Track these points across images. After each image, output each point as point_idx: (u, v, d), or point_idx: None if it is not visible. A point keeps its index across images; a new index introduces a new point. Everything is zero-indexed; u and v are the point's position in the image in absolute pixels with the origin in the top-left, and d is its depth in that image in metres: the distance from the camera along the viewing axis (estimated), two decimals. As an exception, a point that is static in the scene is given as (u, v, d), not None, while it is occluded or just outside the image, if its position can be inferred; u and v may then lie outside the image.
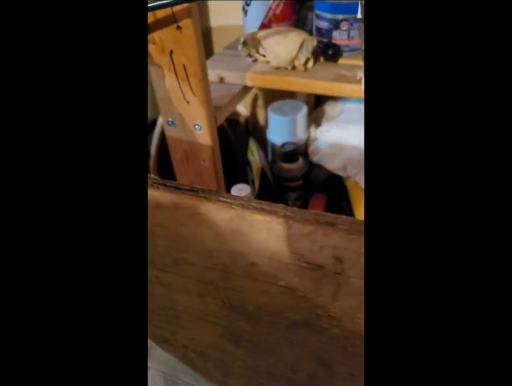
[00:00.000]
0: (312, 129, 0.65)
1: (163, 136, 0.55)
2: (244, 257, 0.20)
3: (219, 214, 0.20)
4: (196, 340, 0.24)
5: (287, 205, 0.67)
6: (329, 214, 0.18)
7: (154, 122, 0.65)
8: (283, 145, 0.60)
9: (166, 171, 0.57)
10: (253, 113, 0.79)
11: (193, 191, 0.21)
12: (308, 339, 0.20)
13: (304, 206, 0.63)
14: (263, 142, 0.69)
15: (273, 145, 0.64)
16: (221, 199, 0.20)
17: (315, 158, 0.63)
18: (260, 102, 0.78)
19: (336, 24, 0.43)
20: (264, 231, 0.19)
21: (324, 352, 0.20)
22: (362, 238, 0.17)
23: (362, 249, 0.17)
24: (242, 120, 0.76)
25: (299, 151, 0.62)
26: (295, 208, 0.19)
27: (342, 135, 0.62)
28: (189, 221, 0.21)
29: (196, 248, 0.22)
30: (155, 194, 0.22)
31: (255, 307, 0.21)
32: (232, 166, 0.64)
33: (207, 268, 0.22)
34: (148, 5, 0.31)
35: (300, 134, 0.63)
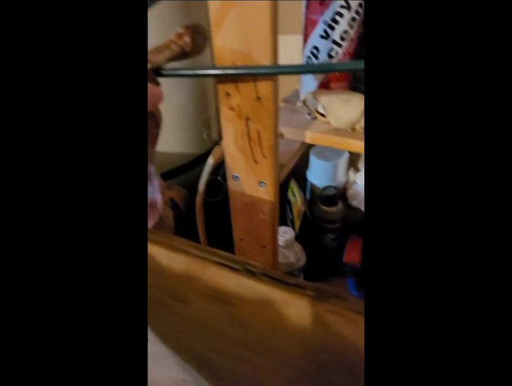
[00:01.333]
0: (350, 172, 0.67)
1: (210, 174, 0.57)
2: (349, 357, 0.22)
3: (343, 329, 0.21)
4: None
5: (325, 245, 0.68)
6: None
7: (203, 156, 0.67)
8: (324, 188, 0.62)
9: (212, 208, 0.59)
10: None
11: (320, 296, 0.22)
12: None
13: (341, 246, 0.65)
14: (299, 180, 0.71)
15: (313, 186, 0.66)
16: (349, 314, 0.21)
17: (354, 202, 0.64)
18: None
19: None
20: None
21: None
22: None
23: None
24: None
25: (339, 195, 0.64)
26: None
27: (382, 182, 0.64)
28: (304, 324, 0.22)
29: (300, 343, 0.23)
30: (264, 289, 0.24)
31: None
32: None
33: (306, 361, 0.23)
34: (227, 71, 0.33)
35: (340, 178, 0.64)
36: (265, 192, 0.42)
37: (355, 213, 0.66)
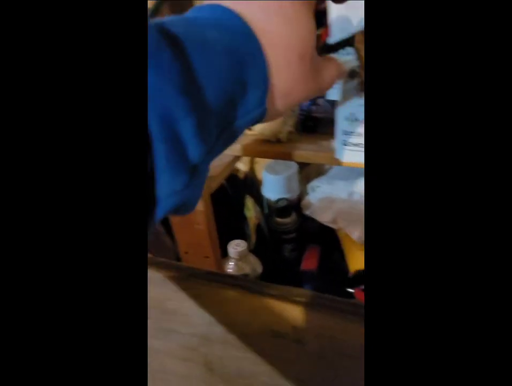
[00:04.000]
0: (304, 184, 0.70)
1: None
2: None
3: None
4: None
5: (284, 256, 0.70)
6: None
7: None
8: (277, 200, 0.65)
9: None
10: (251, 169, 0.85)
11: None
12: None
13: (299, 257, 0.67)
14: (260, 197, 0.74)
15: (268, 201, 0.69)
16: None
17: (307, 212, 0.67)
18: (257, 158, 0.83)
19: (314, 101, 0.49)
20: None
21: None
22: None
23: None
24: (241, 175, 0.82)
25: (292, 206, 0.67)
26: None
27: (332, 190, 0.67)
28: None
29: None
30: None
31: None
32: (231, 222, 0.68)
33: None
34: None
35: (292, 190, 0.68)
36: (197, 203, 0.45)
37: (311, 223, 0.68)
